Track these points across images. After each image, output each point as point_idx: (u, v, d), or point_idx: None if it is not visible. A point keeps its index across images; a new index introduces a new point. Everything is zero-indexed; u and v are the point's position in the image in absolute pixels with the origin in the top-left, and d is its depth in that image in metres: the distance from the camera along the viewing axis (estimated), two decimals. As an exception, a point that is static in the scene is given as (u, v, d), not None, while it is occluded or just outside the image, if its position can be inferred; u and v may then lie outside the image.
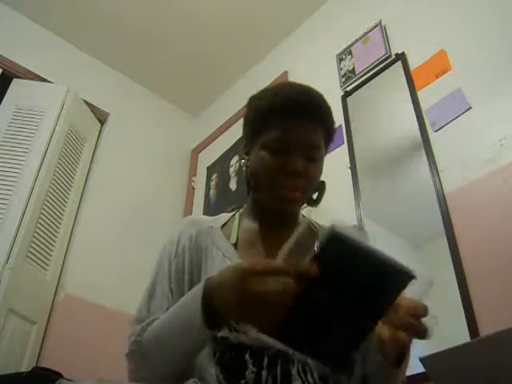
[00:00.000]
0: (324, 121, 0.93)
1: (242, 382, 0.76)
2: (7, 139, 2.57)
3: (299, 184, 0.90)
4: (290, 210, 0.97)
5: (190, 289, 0.86)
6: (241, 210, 1.03)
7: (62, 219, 2.63)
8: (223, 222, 0.99)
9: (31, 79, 2.89)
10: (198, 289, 0.71)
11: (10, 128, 2.61)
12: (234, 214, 1.02)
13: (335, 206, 2.19)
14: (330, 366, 0.62)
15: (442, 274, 1.74)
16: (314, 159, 0.91)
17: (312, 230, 1.01)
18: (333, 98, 2.53)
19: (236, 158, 3.07)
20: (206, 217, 1.04)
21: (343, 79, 2.55)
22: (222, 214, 1.03)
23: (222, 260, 0.89)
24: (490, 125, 1.81)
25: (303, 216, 1.03)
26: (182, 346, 0.75)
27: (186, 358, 0.78)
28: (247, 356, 0.77)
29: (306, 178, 0.90)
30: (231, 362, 0.78)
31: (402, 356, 0.76)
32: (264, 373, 0.75)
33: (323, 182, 0.97)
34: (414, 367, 1.40)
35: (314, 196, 0.99)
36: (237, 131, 3.10)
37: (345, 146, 2.33)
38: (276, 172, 0.89)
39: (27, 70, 2.89)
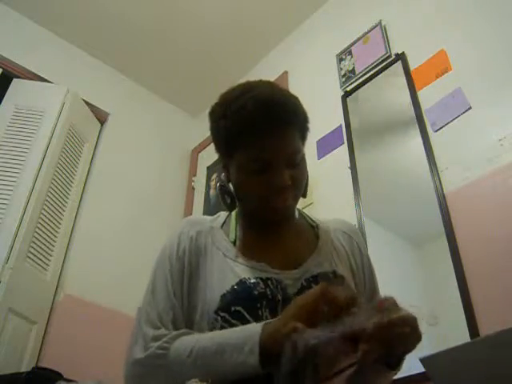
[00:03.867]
0: (295, 120, 0.88)
1: None
2: (7, 139, 2.57)
3: (289, 194, 0.88)
4: (285, 217, 0.96)
5: (188, 292, 0.88)
6: (237, 209, 1.02)
7: (62, 219, 2.63)
8: (222, 222, 0.98)
9: (31, 79, 2.89)
10: (257, 325, 0.74)
11: (10, 128, 2.61)
12: (230, 213, 1.01)
13: (335, 206, 2.20)
14: None
15: (442, 273, 1.74)
16: (296, 164, 0.88)
17: (310, 224, 1.01)
18: (333, 98, 2.56)
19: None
20: (206, 216, 1.03)
21: (343, 79, 2.55)
22: (220, 213, 1.02)
23: (223, 260, 0.89)
24: (490, 125, 1.81)
25: (298, 210, 1.03)
26: (218, 371, 0.75)
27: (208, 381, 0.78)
28: None
29: (294, 185, 0.88)
30: None
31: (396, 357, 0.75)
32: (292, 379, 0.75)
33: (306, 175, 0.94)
34: (413, 367, 1.40)
35: None
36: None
37: (345, 146, 2.33)
38: (263, 191, 0.87)
39: (27, 70, 2.89)
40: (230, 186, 0.95)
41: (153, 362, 0.80)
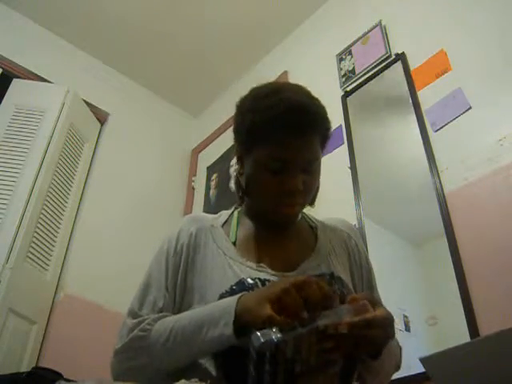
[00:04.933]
0: (320, 128, 0.90)
1: None
2: (7, 139, 2.57)
3: (298, 200, 0.89)
4: (289, 222, 0.97)
5: (184, 288, 0.89)
6: (239, 208, 1.03)
7: (62, 219, 2.63)
8: (223, 221, 0.99)
9: (31, 79, 2.89)
10: (232, 299, 0.76)
11: (10, 128, 2.61)
12: (232, 212, 1.02)
13: (335, 206, 2.20)
14: None
15: (442, 273, 1.75)
16: (312, 171, 0.89)
17: (310, 225, 1.01)
18: (333, 98, 2.56)
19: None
20: (208, 215, 1.04)
21: (343, 79, 2.55)
22: (222, 212, 1.03)
23: (224, 259, 0.89)
24: (490, 125, 1.81)
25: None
26: (198, 346, 0.78)
27: (190, 359, 0.81)
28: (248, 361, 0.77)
29: (305, 192, 0.89)
30: (233, 365, 0.78)
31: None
32: (266, 376, 0.76)
33: (318, 183, 0.95)
34: (413, 367, 1.40)
35: None
36: (237, 131, 3.10)
37: (345, 146, 2.33)
38: (275, 192, 0.88)
39: (27, 70, 2.89)
40: (242, 179, 0.95)
41: (135, 345, 0.82)
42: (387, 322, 0.71)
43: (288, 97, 0.86)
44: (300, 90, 0.91)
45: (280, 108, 0.84)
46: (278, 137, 0.85)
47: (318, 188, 0.95)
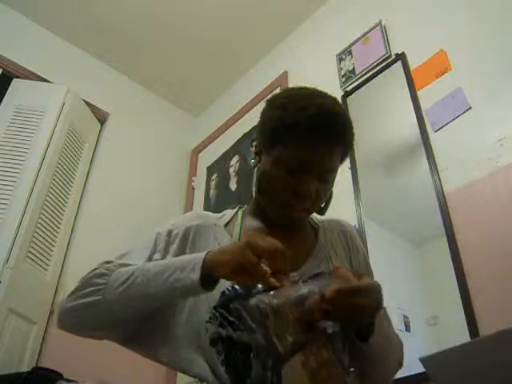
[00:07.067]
0: (345, 143, 0.91)
1: (247, 381, 0.76)
2: (7, 139, 2.57)
3: (308, 205, 0.90)
4: (295, 224, 0.97)
5: None
6: (243, 208, 1.03)
7: (61, 219, 2.63)
8: (227, 221, 1.00)
9: (31, 79, 2.89)
10: (199, 254, 0.77)
11: (10, 128, 2.61)
12: (236, 212, 1.02)
13: (335, 206, 2.19)
14: None
15: (442, 274, 1.75)
16: (327, 181, 0.91)
17: (312, 225, 1.02)
18: (333, 98, 2.55)
19: (236, 158, 3.07)
20: (212, 213, 1.04)
21: (343, 79, 2.55)
22: (225, 211, 1.04)
23: None
24: (490, 125, 1.81)
25: None
26: (157, 287, 0.78)
27: (144, 305, 0.81)
28: (252, 356, 0.77)
29: (316, 199, 0.90)
30: (236, 362, 0.78)
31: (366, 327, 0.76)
32: (269, 373, 0.76)
33: (331, 193, 0.96)
34: (414, 367, 1.40)
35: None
36: (237, 131, 3.10)
37: (345, 146, 2.33)
38: (287, 192, 0.88)
39: (27, 70, 2.89)
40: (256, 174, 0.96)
41: (92, 281, 0.84)
42: (374, 290, 0.70)
43: (322, 103, 0.87)
44: (334, 100, 0.92)
45: (312, 111, 0.85)
46: (305, 138, 0.86)
47: (331, 197, 0.96)
